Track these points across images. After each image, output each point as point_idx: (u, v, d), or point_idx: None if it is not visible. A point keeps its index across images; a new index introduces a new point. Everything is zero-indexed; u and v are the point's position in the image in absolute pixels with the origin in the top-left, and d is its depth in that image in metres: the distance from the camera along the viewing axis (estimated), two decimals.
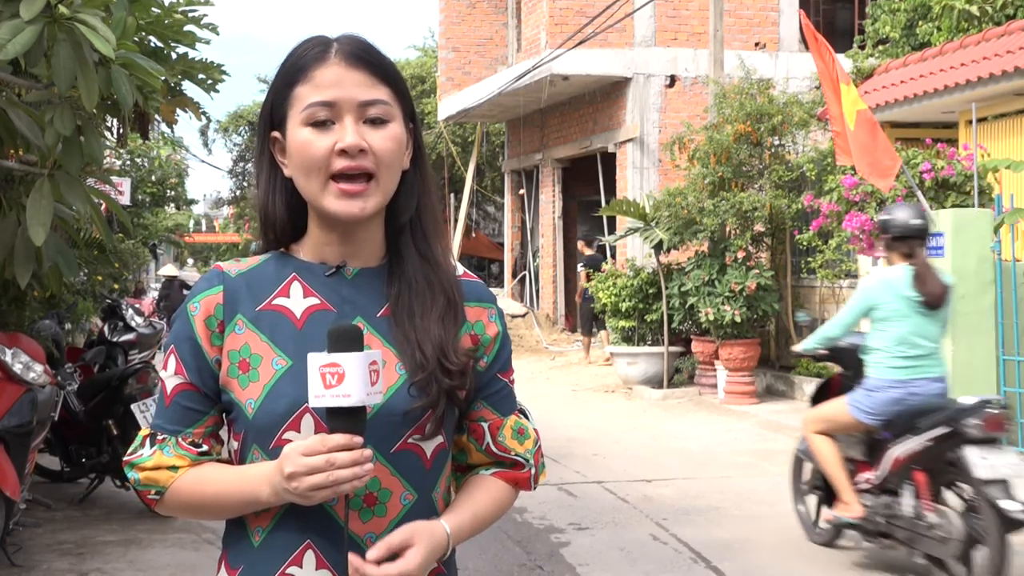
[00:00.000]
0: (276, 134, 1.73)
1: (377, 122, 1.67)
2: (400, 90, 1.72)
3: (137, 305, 11.84)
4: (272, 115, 1.73)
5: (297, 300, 1.71)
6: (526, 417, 1.85)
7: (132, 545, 6.34)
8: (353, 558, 1.59)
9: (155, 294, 24.63)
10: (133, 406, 6.89)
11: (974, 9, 12.16)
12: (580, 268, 17.26)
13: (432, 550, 1.64)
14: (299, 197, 1.72)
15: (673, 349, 13.68)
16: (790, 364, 13.14)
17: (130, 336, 8.66)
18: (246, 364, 1.69)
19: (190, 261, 35.35)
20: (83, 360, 7.84)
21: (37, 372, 5.67)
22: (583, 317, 16.93)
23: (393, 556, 1.61)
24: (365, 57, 1.68)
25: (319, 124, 1.66)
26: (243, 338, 1.70)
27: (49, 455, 7.51)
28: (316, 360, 1.54)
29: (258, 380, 1.67)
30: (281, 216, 1.74)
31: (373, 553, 1.59)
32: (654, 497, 7.81)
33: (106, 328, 8.71)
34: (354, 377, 1.53)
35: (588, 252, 17.25)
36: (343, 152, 1.64)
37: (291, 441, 1.62)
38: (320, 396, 1.54)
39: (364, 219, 1.69)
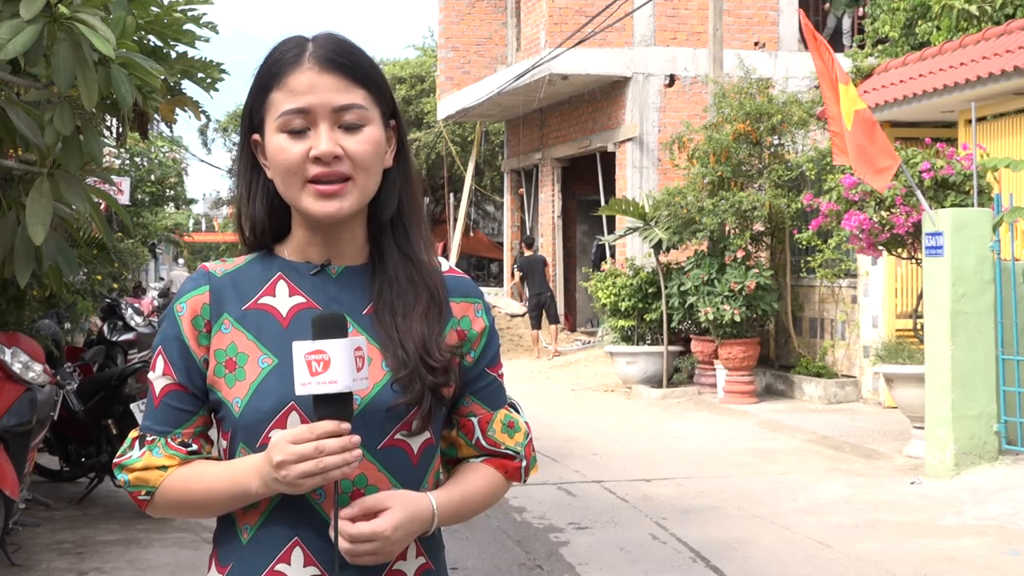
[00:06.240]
0: (256, 137, 1.73)
1: (353, 126, 1.67)
2: (378, 90, 1.71)
3: (137, 304, 11.84)
4: (251, 118, 1.73)
5: (283, 299, 1.72)
6: (516, 411, 1.85)
7: (131, 544, 6.34)
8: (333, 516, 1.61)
9: (154, 293, 24.64)
10: (132, 405, 6.89)
11: (973, 8, 12.16)
12: (516, 269, 18.95)
13: (411, 517, 1.64)
14: (280, 198, 1.73)
15: (672, 348, 13.69)
16: (789, 363, 13.14)
17: (129, 335, 8.67)
18: (232, 363, 1.69)
19: (180, 261, 35.35)
20: (82, 359, 7.84)
21: (36, 371, 5.67)
22: (529, 313, 18.33)
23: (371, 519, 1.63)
24: (339, 60, 1.67)
25: (294, 130, 1.66)
26: (229, 337, 1.70)
27: (48, 454, 7.51)
28: (301, 348, 1.55)
29: (244, 379, 1.68)
30: (261, 217, 1.75)
31: (348, 511, 1.61)
32: (654, 496, 7.80)
33: (105, 327, 8.71)
34: (340, 363, 1.53)
35: (528, 253, 18.58)
36: (318, 159, 1.64)
37: None
38: (306, 384, 1.54)
39: (343, 218, 1.69)
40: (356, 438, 1.56)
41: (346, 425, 1.55)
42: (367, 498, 1.63)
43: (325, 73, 1.66)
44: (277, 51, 1.70)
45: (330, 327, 1.55)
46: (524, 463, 1.83)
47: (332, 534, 1.61)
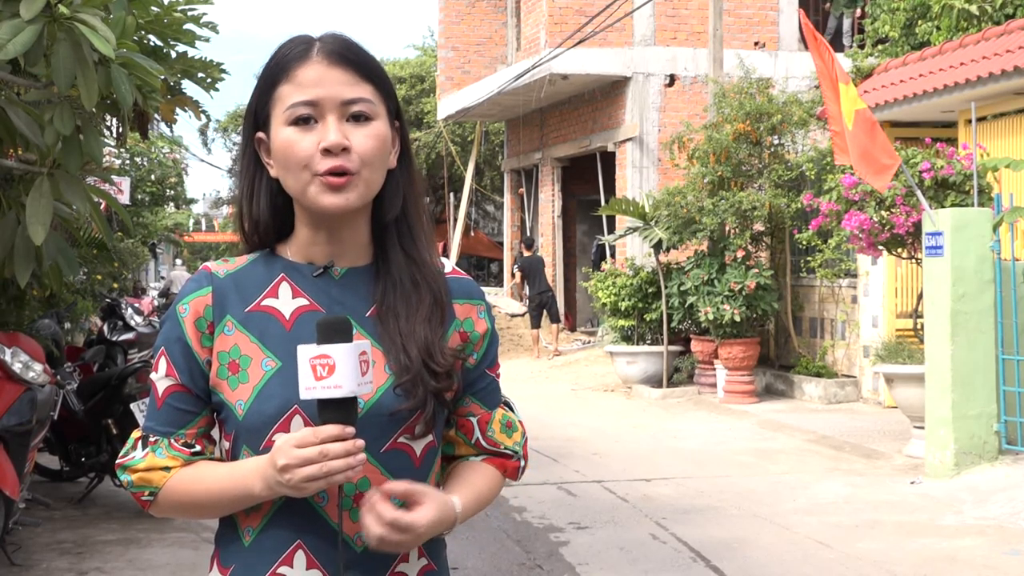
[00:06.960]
0: (261, 135, 1.73)
1: (360, 119, 1.67)
2: (384, 88, 1.71)
3: (137, 304, 11.85)
4: (256, 116, 1.73)
5: (286, 301, 1.72)
6: (511, 409, 1.86)
7: (131, 544, 6.35)
8: (371, 495, 1.60)
9: (154, 293, 24.66)
10: (133, 405, 6.90)
11: (973, 8, 12.16)
12: (516, 269, 19.04)
13: (441, 518, 1.65)
14: (283, 197, 1.72)
15: (672, 348, 13.69)
16: (789, 363, 13.14)
17: (129, 335, 8.69)
18: (235, 365, 1.69)
19: (179, 262, 35.31)
20: (82, 359, 7.85)
21: (36, 371, 5.67)
22: (530, 313, 18.37)
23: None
24: (347, 55, 1.68)
25: (302, 123, 1.66)
26: (232, 339, 1.70)
27: (48, 454, 7.51)
28: (306, 352, 1.54)
29: (248, 381, 1.67)
30: (265, 216, 1.74)
31: (390, 486, 1.60)
32: (653, 496, 7.81)
33: (105, 327, 8.72)
34: (345, 368, 1.52)
35: (527, 254, 18.67)
36: (327, 151, 1.64)
37: None
38: (311, 388, 1.53)
39: (349, 212, 1.68)
40: (360, 442, 1.55)
41: (350, 429, 1.55)
42: (397, 484, 1.62)
43: (333, 67, 1.67)
44: (284, 48, 1.71)
45: (335, 331, 1.54)
46: (522, 463, 1.84)
47: (340, 565, 1.61)
